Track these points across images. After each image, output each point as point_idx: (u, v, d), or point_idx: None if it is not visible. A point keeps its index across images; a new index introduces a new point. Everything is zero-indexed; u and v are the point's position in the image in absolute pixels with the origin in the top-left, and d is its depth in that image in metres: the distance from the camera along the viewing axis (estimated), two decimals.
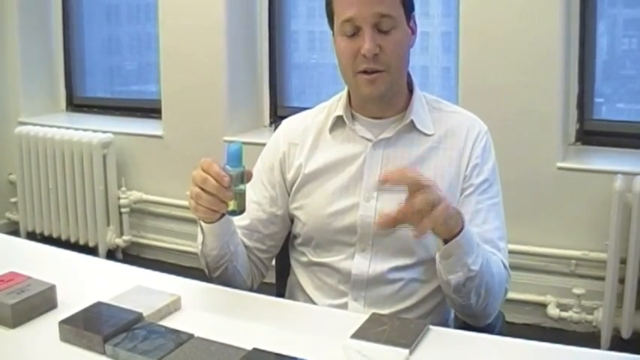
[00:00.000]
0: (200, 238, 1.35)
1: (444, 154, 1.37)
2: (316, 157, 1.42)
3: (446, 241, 1.19)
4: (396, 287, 1.36)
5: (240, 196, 1.20)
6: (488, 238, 1.32)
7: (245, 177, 1.20)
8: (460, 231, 1.18)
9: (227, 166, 1.18)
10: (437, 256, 1.23)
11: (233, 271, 1.39)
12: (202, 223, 1.31)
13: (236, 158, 1.19)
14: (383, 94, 1.34)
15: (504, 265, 1.33)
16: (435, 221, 1.13)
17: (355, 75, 1.32)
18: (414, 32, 1.37)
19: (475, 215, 1.33)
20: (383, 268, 1.35)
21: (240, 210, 1.21)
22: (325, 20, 1.40)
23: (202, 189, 1.18)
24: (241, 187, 1.20)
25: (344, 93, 1.43)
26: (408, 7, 1.34)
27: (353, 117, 1.42)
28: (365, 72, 1.31)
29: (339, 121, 1.42)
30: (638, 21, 2.85)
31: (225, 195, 1.18)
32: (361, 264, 1.36)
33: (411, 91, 1.41)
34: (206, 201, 1.19)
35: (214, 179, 1.17)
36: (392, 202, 1.34)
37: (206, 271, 1.40)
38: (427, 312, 1.38)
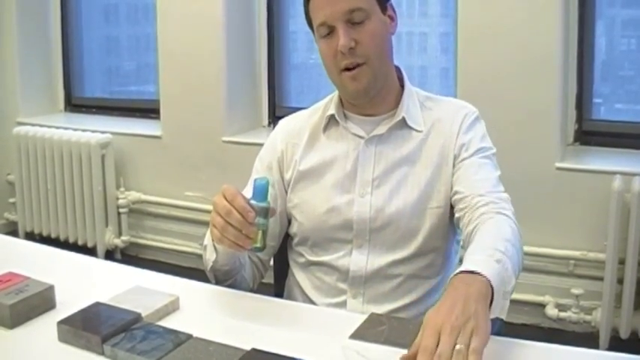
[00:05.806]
0: (213, 256, 1.32)
1: (433, 143, 1.38)
2: (310, 156, 1.43)
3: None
4: (395, 283, 1.36)
5: (263, 232, 1.18)
6: (490, 178, 1.31)
7: (269, 213, 1.18)
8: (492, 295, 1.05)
9: (252, 201, 1.17)
10: None
11: (241, 279, 1.40)
12: (216, 245, 1.29)
13: (262, 193, 1.17)
14: (367, 87, 1.34)
15: (513, 221, 1.28)
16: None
17: (340, 74, 1.34)
18: (393, 19, 1.38)
19: (468, 168, 1.33)
20: (381, 262, 1.36)
21: (262, 246, 1.19)
22: None
23: (226, 221, 1.15)
24: (264, 222, 1.17)
25: (336, 93, 1.44)
26: None
27: (345, 115, 1.43)
28: (347, 69, 1.32)
29: (332, 121, 1.43)
30: (636, 21, 2.85)
31: (249, 230, 1.15)
32: (359, 260, 1.37)
33: (402, 87, 1.42)
34: (232, 235, 1.16)
35: (239, 213, 1.15)
36: (386, 197, 1.35)
37: (213, 282, 1.39)
38: (427, 310, 1.37)
